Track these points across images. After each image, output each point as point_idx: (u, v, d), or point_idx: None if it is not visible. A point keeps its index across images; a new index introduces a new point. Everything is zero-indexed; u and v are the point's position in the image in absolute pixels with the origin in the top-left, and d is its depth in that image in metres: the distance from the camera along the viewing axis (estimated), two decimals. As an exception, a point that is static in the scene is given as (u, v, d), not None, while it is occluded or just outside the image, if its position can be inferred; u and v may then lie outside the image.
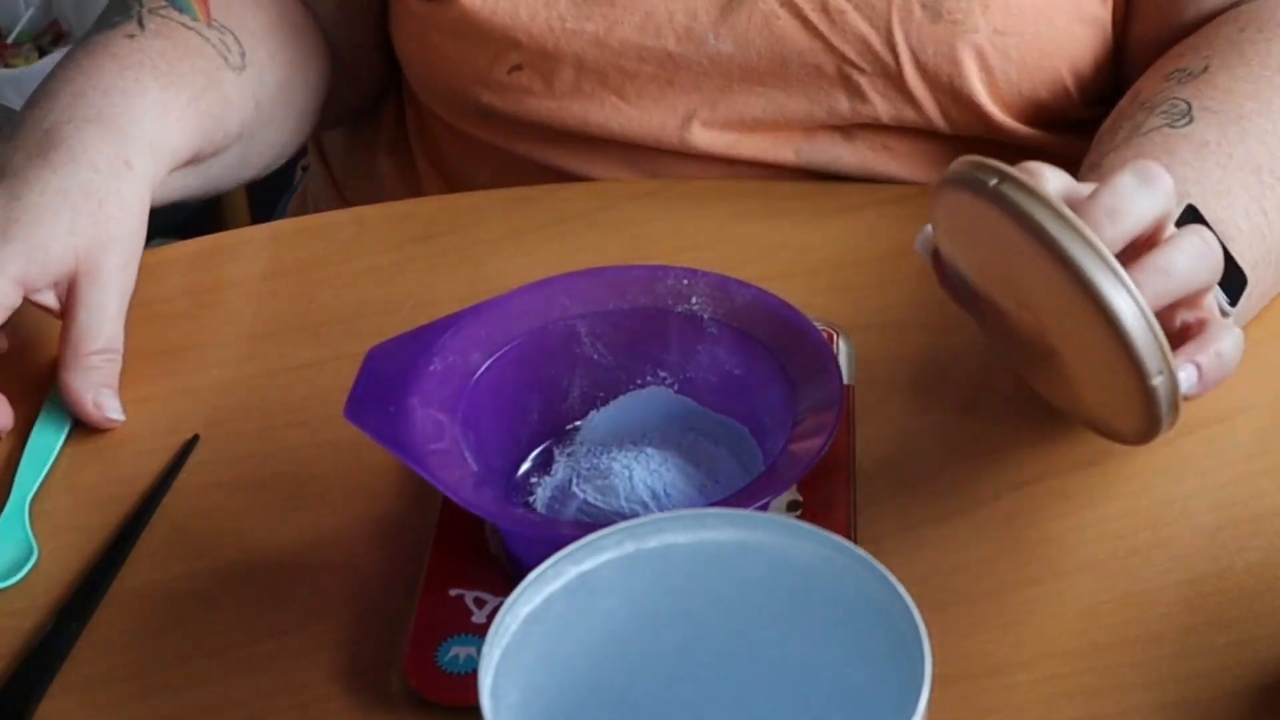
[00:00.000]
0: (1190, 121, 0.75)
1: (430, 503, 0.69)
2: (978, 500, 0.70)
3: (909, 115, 0.87)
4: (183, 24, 0.86)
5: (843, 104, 0.87)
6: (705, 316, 0.70)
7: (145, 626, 0.67)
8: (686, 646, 0.52)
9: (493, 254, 0.87)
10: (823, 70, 0.86)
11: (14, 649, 0.66)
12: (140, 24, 0.85)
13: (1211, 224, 0.68)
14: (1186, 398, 0.60)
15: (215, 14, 0.87)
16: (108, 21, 0.86)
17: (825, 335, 0.71)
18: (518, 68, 0.88)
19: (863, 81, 0.86)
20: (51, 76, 0.83)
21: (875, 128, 0.88)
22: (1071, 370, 0.63)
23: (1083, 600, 0.65)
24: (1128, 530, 0.67)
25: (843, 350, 0.76)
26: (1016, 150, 0.88)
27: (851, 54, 0.85)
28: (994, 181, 0.58)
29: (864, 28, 0.85)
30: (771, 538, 0.52)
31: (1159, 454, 0.70)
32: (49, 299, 0.76)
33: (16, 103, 1.95)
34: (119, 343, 0.77)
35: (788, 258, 0.84)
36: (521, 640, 0.50)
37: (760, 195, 0.89)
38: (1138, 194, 0.61)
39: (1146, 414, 0.59)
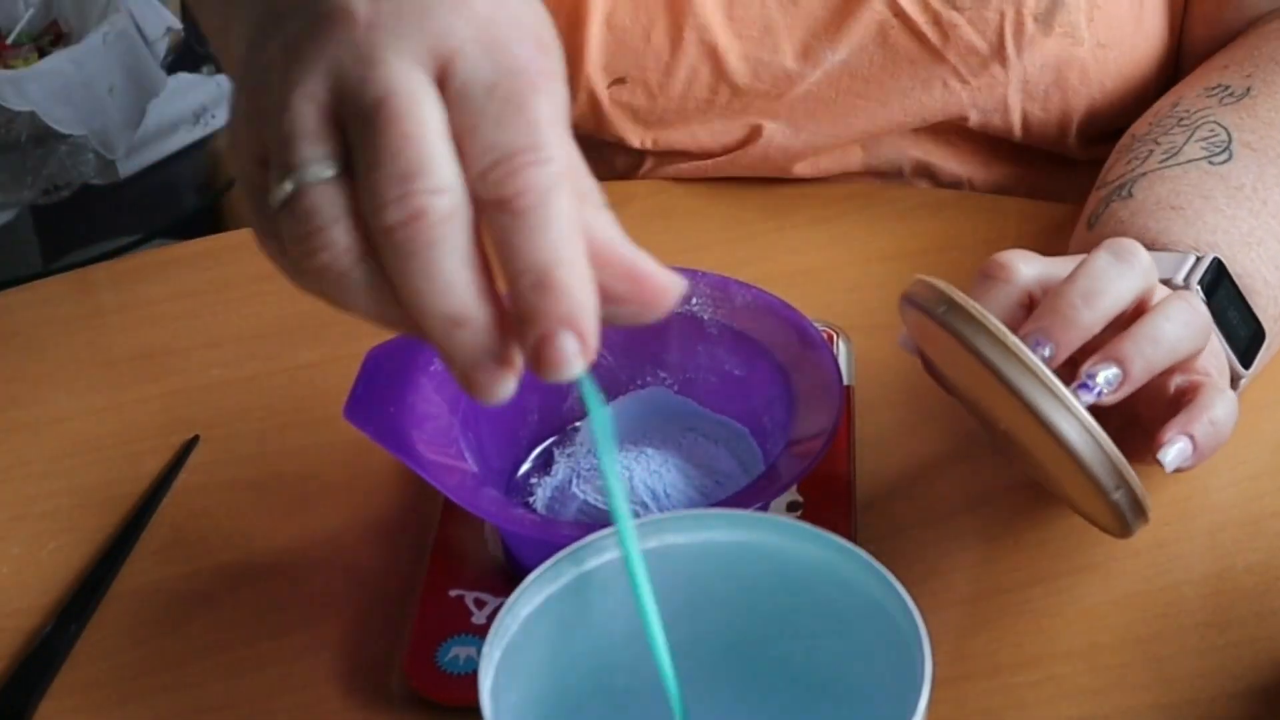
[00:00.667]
0: (1229, 159, 0.73)
1: (430, 503, 0.69)
2: (978, 500, 0.70)
3: (995, 123, 0.87)
4: None
5: (936, 111, 0.87)
6: (705, 317, 0.70)
7: (145, 626, 0.67)
8: (687, 647, 0.52)
9: (493, 254, 0.87)
10: (930, 83, 0.86)
11: (14, 649, 0.66)
12: None
13: (1237, 277, 0.68)
14: (1181, 469, 0.61)
15: None
16: None
17: (825, 335, 0.71)
18: (620, 81, 0.87)
19: (964, 93, 0.86)
20: None
21: (951, 128, 0.88)
22: (1048, 471, 0.63)
23: (1083, 600, 0.65)
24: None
25: (843, 350, 0.76)
26: (1074, 164, 0.89)
27: (961, 66, 0.85)
28: (942, 310, 0.59)
29: (976, 40, 0.84)
30: (771, 538, 0.52)
31: (1159, 454, 0.70)
32: None
33: (17, 103, 1.94)
34: None
35: (788, 258, 0.84)
36: (522, 640, 0.50)
37: (761, 196, 0.89)
38: (1114, 274, 0.61)
39: (1116, 520, 0.60)
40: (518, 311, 0.44)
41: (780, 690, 0.55)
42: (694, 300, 0.70)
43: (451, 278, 0.44)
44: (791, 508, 0.68)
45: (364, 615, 0.66)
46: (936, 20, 0.84)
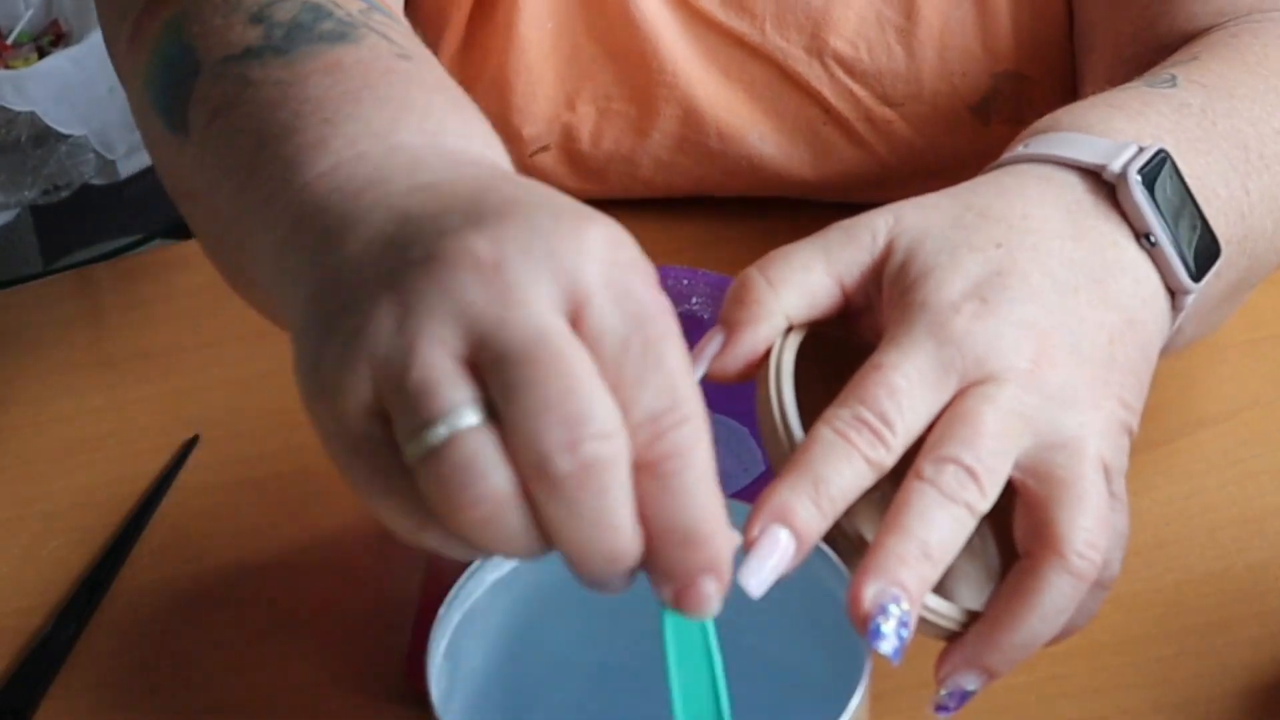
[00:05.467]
0: (1173, 86, 0.64)
1: (430, 503, 0.69)
2: (978, 500, 0.70)
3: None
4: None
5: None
6: (705, 317, 0.70)
7: (145, 626, 0.67)
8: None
9: (493, 254, 0.87)
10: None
11: (15, 649, 0.66)
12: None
13: (1187, 178, 0.59)
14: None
15: None
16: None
17: (825, 335, 0.71)
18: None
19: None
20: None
21: None
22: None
23: (1083, 600, 0.65)
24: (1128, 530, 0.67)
25: (843, 350, 0.76)
26: None
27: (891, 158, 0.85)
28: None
29: (912, 136, 0.83)
30: None
31: (1159, 454, 0.70)
32: None
33: (17, 103, 1.94)
34: None
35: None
36: (487, 606, 0.51)
37: (760, 197, 0.89)
38: (945, 518, 0.50)
39: None
40: (661, 560, 0.43)
41: (748, 676, 0.55)
42: (694, 300, 0.70)
43: (617, 520, 0.42)
44: (791, 507, 0.68)
45: (364, 615, 0.66)
46: (868, 116, 0.83)
